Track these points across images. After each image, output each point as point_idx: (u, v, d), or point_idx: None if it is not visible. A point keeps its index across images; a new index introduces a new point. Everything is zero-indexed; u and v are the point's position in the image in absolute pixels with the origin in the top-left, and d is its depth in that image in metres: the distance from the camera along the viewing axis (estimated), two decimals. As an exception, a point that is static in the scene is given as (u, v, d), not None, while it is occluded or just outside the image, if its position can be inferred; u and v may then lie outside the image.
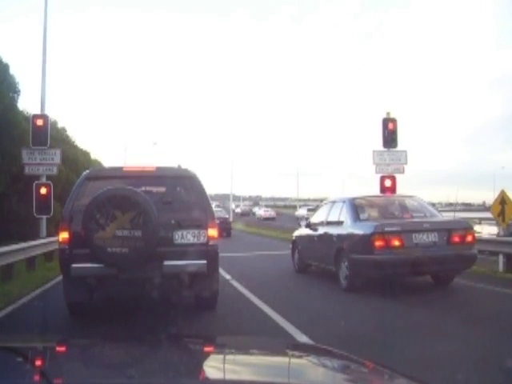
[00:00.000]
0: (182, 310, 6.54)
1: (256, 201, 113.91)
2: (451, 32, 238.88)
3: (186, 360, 1.98)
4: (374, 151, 15.21)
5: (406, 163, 15.26)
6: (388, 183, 14.78)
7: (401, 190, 14.69)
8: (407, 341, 5.33)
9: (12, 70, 15.45)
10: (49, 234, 14.49)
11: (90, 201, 6.25)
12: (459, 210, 41.10)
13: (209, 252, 6.60)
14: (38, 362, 1.67)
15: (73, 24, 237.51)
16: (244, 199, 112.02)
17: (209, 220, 6.70)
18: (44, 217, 14.30)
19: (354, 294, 8.24)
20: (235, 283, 9.57)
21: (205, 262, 6.51)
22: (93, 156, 28.15)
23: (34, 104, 28.55)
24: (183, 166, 7.39)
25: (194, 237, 6.60)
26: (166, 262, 6.41)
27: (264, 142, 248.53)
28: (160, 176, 7.05)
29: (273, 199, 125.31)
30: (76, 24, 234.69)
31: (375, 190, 14.55)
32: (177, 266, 6.47)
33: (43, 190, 13.91)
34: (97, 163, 27.73)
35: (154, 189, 6.95)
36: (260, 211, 57.67)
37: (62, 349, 2.25)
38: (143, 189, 6.62)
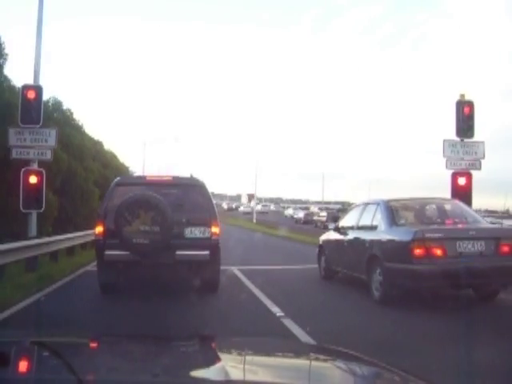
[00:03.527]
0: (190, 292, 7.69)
1: (276, 202, 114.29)
2: (478, 36, 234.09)
3: (211, 360, 1.96)
4: (444, 141, 12.74)
5: (483, 157, 12.76)
6: (462, 181, 12.42)
7: (423, 193, 13.00)
8: (445, 361, 4.62)
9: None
10: (43, 234, 12.24)
11: (121, 202, 7.85)
12: (505, 217, 38.41)
13: (211, 245, 8.17)
14: (65, 358, 1.66)
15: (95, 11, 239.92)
16: (265, 200, 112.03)
17: (212, 220, 8.28)
18: (33, 212, 11.74)
19: (388, 307, 7.46)
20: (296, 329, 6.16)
21: (208, 252, 8.05)
22: (106, 147, 26.21)
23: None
24: (195, 176, 9.19)
25: (200, 232, 8.18)
26: (178, 252, 7.99)
27: (287, 145, 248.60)
28: (175, 184, 8.75)
29: (293, 201, 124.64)
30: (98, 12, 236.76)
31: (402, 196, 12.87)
32: (186, 255, 8.03)
33: (33, 179, 11.45)
34: (110, 154, 26.63)
35: (170, 194, 8.43)
36: (241, 208, 78.82)
37: (89, 345, 2.29)
38: (162, 192, 8.15)
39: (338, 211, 44.70)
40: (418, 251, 7.21)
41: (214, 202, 9.37)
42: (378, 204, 8.67)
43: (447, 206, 8.94)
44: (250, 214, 66.79)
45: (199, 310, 7.21)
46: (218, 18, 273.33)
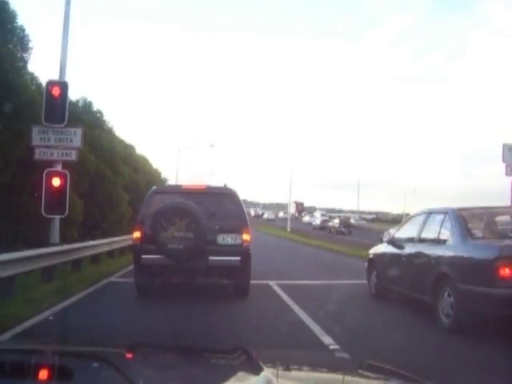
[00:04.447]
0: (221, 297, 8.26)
1: (310, 211, 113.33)
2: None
3: (257, 374, 1.85)
4: (504, 145, 11.63)
5: None
6: None
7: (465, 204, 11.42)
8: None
9: (21, 21, 11.04)
10: (67, 240, 11.32)
11: (157, 210, 8.23)
12: None
13: (242, 251, 8.50)
14: (109, 367, 1.70)
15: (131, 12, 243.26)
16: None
17: (243, 227, 8.59)
18: (57, 217, 10.94)
19: (461, 337, 6.19)
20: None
21: (239, 258, 8.40)
22: (138, 151, 25.54)
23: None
24: (228, 185, 9.34)
25: (232, 239, 8.51)
26: (211, 257, 8.33)
27: (321, 154, 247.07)
28: (209, 193, 9.03)
29: (327, 210, 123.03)
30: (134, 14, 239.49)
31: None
32: (218, 260, 8.40)
33: (56, 181, 10.68)
34: (142, 159, 25.96)
35: (204, 202, 8.62)
36: (265, 215, 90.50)
37: (130, 355, 2.23)
38: (196, 200, 8.41)
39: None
40: (504, 272, 5.86)
41: (246, 209, 9.55)
42: (445, 213, 7.32)
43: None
44: (273, 220, 79.40)
45: (231, 334, 6.07)
46: (255, 27, 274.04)
